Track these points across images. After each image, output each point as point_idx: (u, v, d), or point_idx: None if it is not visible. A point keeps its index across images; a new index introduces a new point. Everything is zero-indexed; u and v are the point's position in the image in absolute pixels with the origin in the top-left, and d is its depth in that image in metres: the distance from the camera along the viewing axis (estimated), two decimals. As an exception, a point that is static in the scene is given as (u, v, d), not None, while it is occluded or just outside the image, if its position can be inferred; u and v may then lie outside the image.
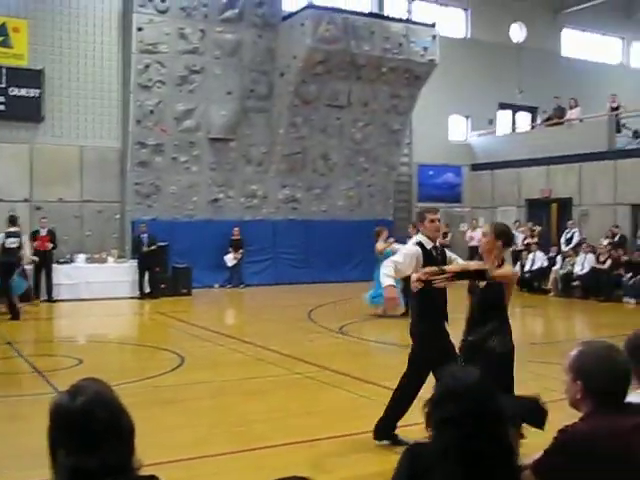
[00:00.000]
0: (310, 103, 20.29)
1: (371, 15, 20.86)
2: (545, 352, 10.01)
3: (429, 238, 6.24)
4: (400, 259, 6.11)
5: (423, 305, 6.09)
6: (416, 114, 22.66)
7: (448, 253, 6.39)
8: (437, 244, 6.26)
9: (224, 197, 20.25)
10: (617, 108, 20.99)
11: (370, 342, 11.87)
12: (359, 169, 21.74)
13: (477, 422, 2.57)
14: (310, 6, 19.51)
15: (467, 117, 25.11)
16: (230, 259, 19.74)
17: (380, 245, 13.89)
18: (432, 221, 6.23)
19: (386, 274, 6.02)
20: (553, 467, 2.77)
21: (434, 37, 21.11)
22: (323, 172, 21.33)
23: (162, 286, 17.71)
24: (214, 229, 19.61)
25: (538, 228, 20.71)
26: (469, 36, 25.58)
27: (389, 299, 6.13)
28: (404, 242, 14.39)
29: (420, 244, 6.17)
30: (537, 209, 22.37)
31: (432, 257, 6.12)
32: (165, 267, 18.06)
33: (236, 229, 19.80)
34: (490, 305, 5.48)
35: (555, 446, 2.79)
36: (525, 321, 15.94)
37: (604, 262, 17.98)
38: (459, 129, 25.20)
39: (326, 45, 19.40)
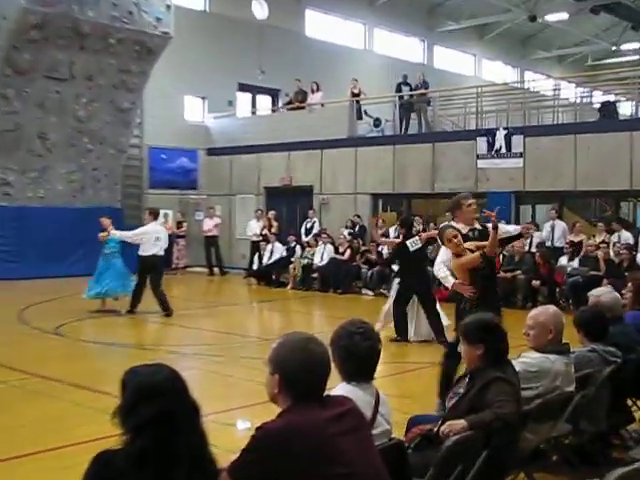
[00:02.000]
0: (24, 73, 19.19)
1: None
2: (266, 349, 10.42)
3: (465, 223, 7.50)
4: (444, 257, 7.47)
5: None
6: (148, 92, 22.36)
7: (501, 227, 7.37)
8: (476, 225, 7.54)
9: None
10: (358, 94, 22.28)
11: (89, 343, 11.59)
12: (83, 150, 20.98)
13: (173, 422, 2.60)
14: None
15: (204, 98, 25.32)
16: None
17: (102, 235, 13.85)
18: (469, 206, 7.57)
19: (444, 277, 7.46)
20: (248, 467, 2.83)
21: (168, 7, 20.94)
22: (40, 153, 20.28)
23: None
24: None
25: (272, 218, 21.32)
26: (208, 9, 25.74)
27: (464, 289, 7.05)
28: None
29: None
30: (277, 197, 23.18)
31: (469, 238, 7.31)
32: None
33: None
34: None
35: (250, 445, 2.86)
36: (260, 316, 16.48)
37: (343, 253, 19.07)
38: (196, 110, 25.32)
39: (43, 7, 18.45)
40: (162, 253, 14.04)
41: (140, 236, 13.67)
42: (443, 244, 7.30)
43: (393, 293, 11.94)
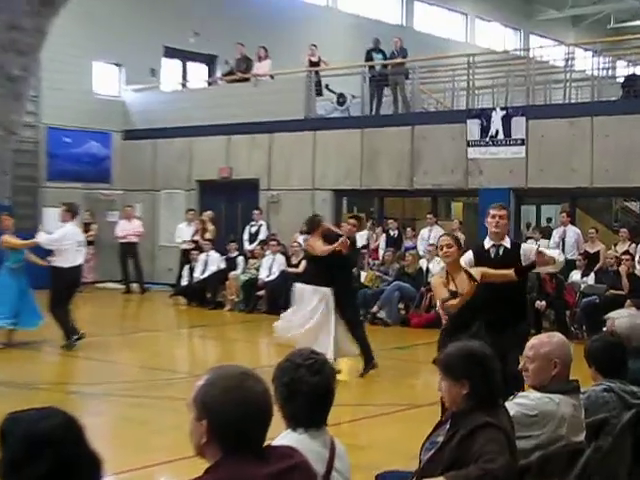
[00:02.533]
0: None
1: None
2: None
3: (490, 237, 8.11)
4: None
5: None
6: (46, 56, 22.13)
7: (527, 248, 8.06)
8: (504, 242, 8.06)
9: None
10: (317, 63, 22.35)
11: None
12: (-40, 131, 20.72)
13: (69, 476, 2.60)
14: None
15: (119, 65, 25.18)
16: None
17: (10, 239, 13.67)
18: (493, 217, 8.08)
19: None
20: None
21: (73, -53, 20.80)
22: None
23: None
24: None
25: (207, 220, 21.26)
26: (125, -49, 25.64)
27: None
28: (29, 235, 14.11)
29: (479, 245, 8.04)
30: (213, 194, 23.12)
31: (485, 258, 7.95)
32: None
33: None
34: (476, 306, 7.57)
35: None
36: (191, 346, 16.43)
37: (297, 265, 19.06)
38: (109, 81, 25.19)
39: None
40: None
41: (60, 242, 13.44)
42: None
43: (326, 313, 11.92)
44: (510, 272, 7.74)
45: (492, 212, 8.17)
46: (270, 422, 3.03)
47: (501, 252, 8.07)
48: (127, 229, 22.48)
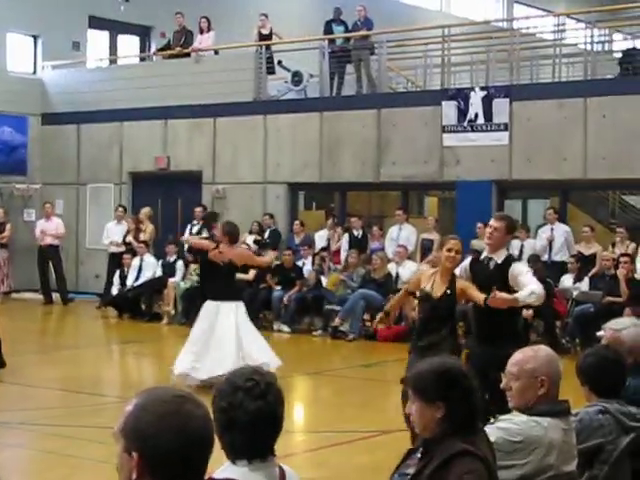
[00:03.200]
0: None
1: None
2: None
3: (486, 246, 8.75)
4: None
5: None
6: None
7: (516, 270, 8.36)
8: (501, 253, 8.50)
9: None
10: (269, 36, 22.33)
11: None
12: None
13: None
14: None
15: (36, 37, 25.02)
16: None
17: None
18: (489, 227, 8.53)
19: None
20: None
21: None
22: None
23: None
24: None
25: (144, 218, 21.20)
26: None
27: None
28: None
29: (478, 252, 8.77)
30: (148, 188, 23.02)
31: (480, 268, 8.51)
32: None
33: None
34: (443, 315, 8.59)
35: None
36: (123, 366, 16.34)
37: (247, 270, 19.06)
38: (24, 56, 25.02)
39: None
40: None
41: None
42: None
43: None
44: (481, 298, 8.17)
45: (490, 222, 8.66)
46: (211, 450, 3.02)
47: (492, 266, 8.47)
48: (47, 229, 22.32)
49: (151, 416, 2.93)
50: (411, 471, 4.36)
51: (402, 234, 18.98)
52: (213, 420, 3.38)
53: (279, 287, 18.88)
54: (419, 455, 4.37)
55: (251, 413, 3.52)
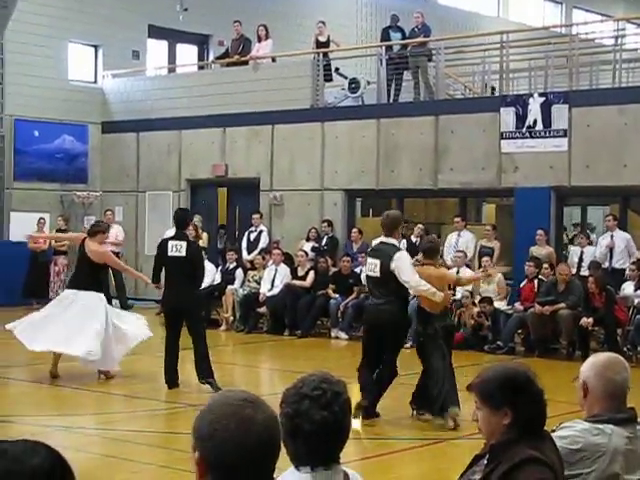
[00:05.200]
0: None
1: None
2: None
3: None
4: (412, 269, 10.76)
5: None
6: (10, 37, 22.24)
7: None
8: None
9: None
10: (326, 44, 22.36)
11: None
12: None
13: None
14: None
15: (97, 47, 25.25)
16: None
17: None
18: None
19: (428, 289, 10.84)
20: None
21: None
22: None
23: None
24: None
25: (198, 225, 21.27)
26: None
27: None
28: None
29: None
30: (207, 195, 23.11)
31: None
32: None
33: None
34: None
35: None
36: (182, 371, 16.38)
37: (304, 277, 19.07)
38: (85, 65, 25.25)
39: None
40: None
41: None
42: None
43: None
44: None
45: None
46: (275, 456, 3.02)
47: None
48: (109, 236, 22.45)
49: (211, 417, 2.97)
50: (477, 477, 4.34)
51: (461, 241, 18.92)
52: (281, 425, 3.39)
53: (337, 294, 18.88)
54: (485, 460, 4.35)
55: (316, 423, 3.49)
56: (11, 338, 13.85)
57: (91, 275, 13.65)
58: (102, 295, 13.81)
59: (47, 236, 20.51)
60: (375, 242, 11.84)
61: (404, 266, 10.78)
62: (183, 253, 12.82)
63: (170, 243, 12.95)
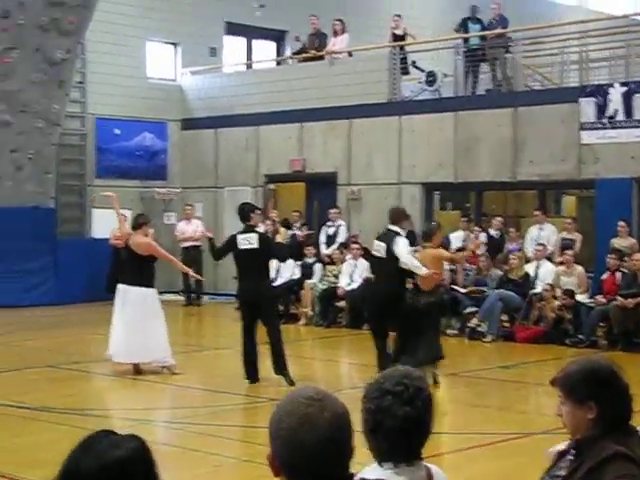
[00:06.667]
0: None
1: None
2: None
3: None
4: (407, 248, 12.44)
5: None
6: (92, 37, 22.48)
7: None
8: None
9: None
10: (403, 37, 22.32)
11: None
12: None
13: None
14: None
15: (176, 45, 25.45)
16: None
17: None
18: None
19: (417, 266, 12.54)
20: None
21: None
22: None
23: None
24: None
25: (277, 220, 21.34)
26: None
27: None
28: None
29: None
30: (285, 189, 23.15)
31: None
32: None
33: None
34: None
35: None
36: (261, 366, 16.45)
37: (383, 271, 19.08)
38: (164, 63, 25.48)
39: None
40: None
41: None
42: None
43: None
44: None
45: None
46: (343, 456, 2.98)
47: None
48: (187, 231, 22.64)
49: (279, 416, 2.96)
50: (563, 473, 4.29)
51: (542, 234, 18.74)
52: (361, 419, 3.38)
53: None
54: (571, 457, 4.30)
55: (398, 418, 3.47)
56: (94, 333, 14.07)
57: (139, 270, 13.87)
58: (151, 290, 14.12)
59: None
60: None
61: (398, 248, 12.57)
62: (255, 244, 12.87)
63: (239, 237, 13.02)
